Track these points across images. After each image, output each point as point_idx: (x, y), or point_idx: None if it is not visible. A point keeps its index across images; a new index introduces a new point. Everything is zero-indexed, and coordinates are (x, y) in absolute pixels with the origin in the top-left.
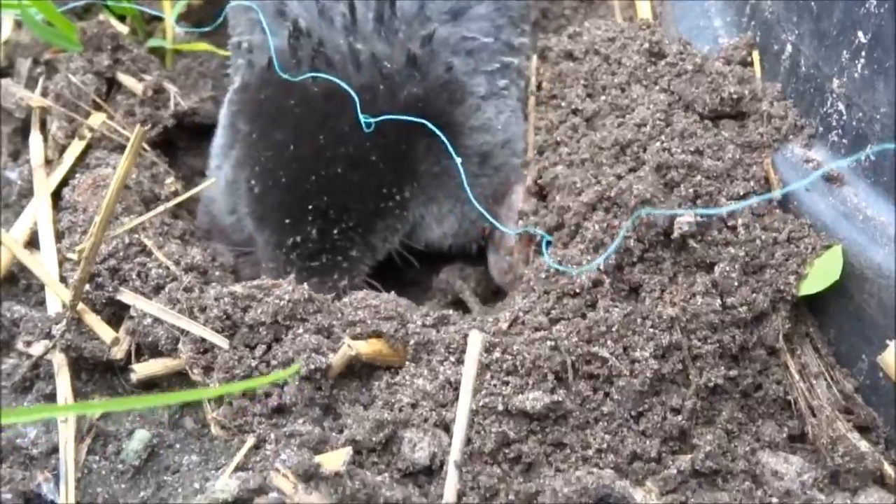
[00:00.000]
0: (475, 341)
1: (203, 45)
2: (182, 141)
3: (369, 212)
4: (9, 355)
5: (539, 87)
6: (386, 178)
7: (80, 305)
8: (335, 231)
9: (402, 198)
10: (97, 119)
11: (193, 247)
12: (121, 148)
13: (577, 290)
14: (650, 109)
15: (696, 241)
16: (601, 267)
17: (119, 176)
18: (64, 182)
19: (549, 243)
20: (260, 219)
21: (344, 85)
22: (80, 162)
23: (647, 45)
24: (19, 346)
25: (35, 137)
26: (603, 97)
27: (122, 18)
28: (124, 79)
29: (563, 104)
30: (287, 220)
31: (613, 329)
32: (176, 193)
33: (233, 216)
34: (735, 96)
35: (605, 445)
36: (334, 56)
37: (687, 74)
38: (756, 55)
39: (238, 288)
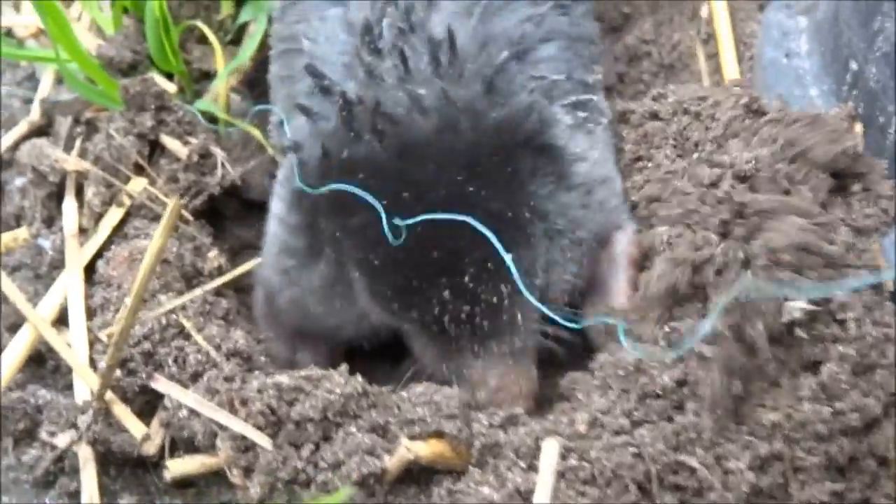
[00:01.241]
0: (551, 450)
1: (254, 131)
2: (229, 210)
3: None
4: (31, 445)
5: (621, 150)
6: (504, 214)
7: (109, 394)
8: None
9: (522, 225)
10: (138, 185)
11: (237, 329)
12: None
13: (659, 392)
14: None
15: (804, 331)
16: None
17: (153, 251)
18: (99, 254)
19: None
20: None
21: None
22: (118, 232)
23: (744, 101)
24: (43, 435)
25: (69, 204)
26: (696, 154)
27: (169, 77)
28: (168, 141)
29: (650, 164)
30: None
31: (704, 436)
32: (220, 269)
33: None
34: (857, 150)
35: None
36: (396, 111)
37: (797, 125)
38: (859, 128)
39: (284, 378)
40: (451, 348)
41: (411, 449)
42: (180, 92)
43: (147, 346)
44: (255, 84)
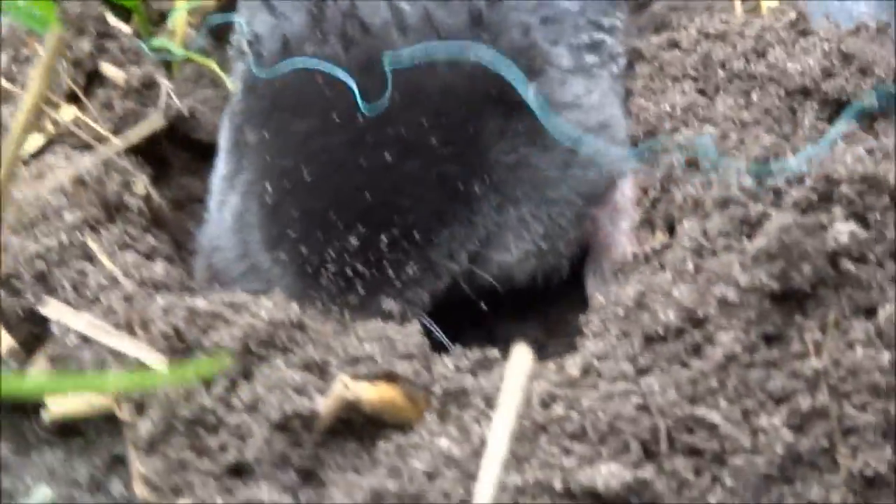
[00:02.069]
0: (522, 358)
1: (211, 63)
2: (178, 160)
3: (427, 214)
4: None
5: (629, 92)
6: (448, 168)
7: None
8: (383, 241)
9: (470, 195)
10: (68, 113)
11: (161, 264)
12: (90, 148)
13: (662, 333)
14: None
15: (853, 263)
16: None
17: (37, 73)
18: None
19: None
20: (276, 237)
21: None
22: (38, 158)
23: (789, 18)
24: None
25: None
26: (722, 72)
27: (126, 19)
28: (107, 68)
29: (665, 95)
30: (315, 230)
31: (729, 385)
32: (149, 200)
33: (244, 262)
34: None
35: None
36: (372, 20)
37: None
38: None
39: (199, 301)
40: (304, 293)
41: (351, 388)
42: (136, 37)
43: (40, 265)
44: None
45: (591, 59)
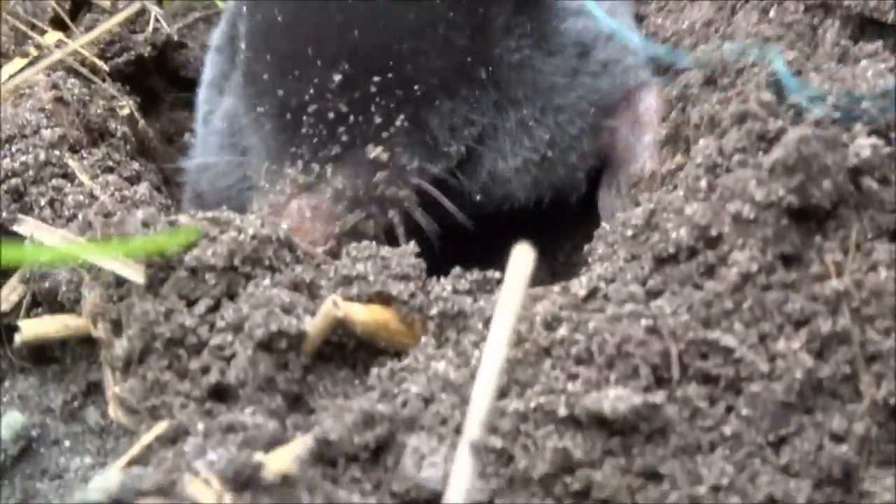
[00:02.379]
0: (523, 256)
1: None
2: (169, 96)
3: (428, 89)
4: None
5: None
6: (454, 42)
7: None
8: (377, 115)
9: (472, 82)
10: (52, 38)
11: (144, 185)
12: (75, 73)
13: (673, 252)
14: None
15: (875, 181)
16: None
17: None
18: None
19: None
20: (254, 92)
21: None
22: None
23: None
24: None
25: None
26: None
27: None
28: None
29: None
30: (292, 68)
31: (745, 307)
32: (134, 121)
33: (234, 176)
34: None
35: (724, 482)
36: None
37: None
38: None
39: (182, 216)
40: (286, 151)
41: (341, 307)
42: None
43: (16, 182)
44: None
45: None
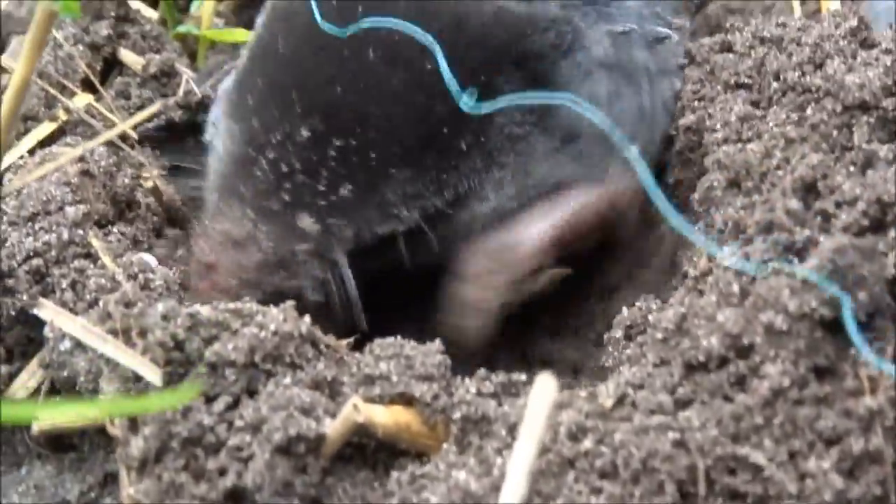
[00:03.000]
0: (546, 387)
1: (241, 34)
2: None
3: (388, 157)
4: None
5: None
6: (440, 108)
7: None
8: (333, 143)
9: (447, 150)
10: (82, 100)
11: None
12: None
13: (704, 361)
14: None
15: None
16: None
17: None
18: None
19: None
20: (236, 105)
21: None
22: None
23: (849, 25)
24: None
25: None
26: (776, 84)
27: (154, 5)
28: (126, 55)
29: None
30: (271, 106)
31: (776, 422)
32: (158, 194)
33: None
34: None
35: None
36: None
37: None
38: None
39: (204, 309)
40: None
41: (362, 410)
42: (161, 24)
43: (37, 262)
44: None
45: (640, 55)
